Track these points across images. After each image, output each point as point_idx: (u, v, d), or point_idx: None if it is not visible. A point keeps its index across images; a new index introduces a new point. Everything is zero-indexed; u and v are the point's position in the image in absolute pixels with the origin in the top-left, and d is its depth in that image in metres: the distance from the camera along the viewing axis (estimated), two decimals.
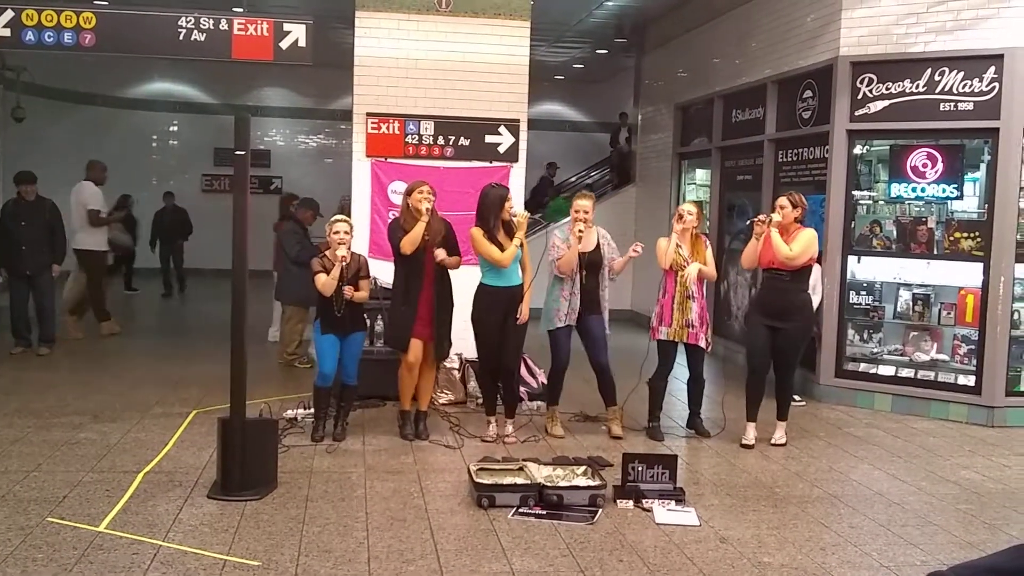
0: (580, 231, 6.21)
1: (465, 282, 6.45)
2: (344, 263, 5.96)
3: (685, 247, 6.45)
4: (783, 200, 6.34)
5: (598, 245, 6.43)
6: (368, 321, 7.19)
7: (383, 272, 6.79)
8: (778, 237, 6.24)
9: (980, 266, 7.32)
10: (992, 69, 7.16)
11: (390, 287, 6.55)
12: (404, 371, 6.31)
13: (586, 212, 6.28)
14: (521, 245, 6.19)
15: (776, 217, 6.28)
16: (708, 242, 6.65)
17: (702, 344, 6.50)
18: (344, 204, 11.72)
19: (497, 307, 6.17)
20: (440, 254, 6.11)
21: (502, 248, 6.12)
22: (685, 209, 6.51)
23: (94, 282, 9.99)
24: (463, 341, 6.77)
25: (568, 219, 6.70)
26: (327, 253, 6.10)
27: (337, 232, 6.00)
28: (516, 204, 7.09)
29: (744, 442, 6.43)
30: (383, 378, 6.75)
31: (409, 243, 6.00)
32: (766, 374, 6.49)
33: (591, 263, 6.35)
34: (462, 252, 6.42)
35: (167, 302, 14.23)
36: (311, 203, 9.17)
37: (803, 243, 6.24)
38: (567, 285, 6.35)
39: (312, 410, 6.37)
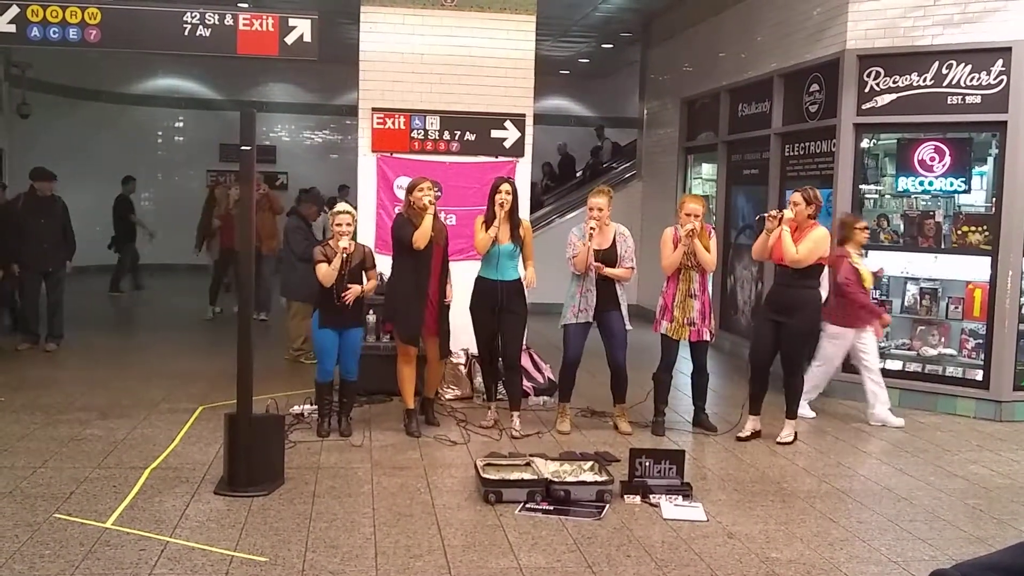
0: (592, 228, 6.20)
1: (467, 279, 6.54)
2: (346, 254, 5.95)
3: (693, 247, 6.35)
4: (797, 196, 6.25)
5: (613, 242, 6.36)
6: (374, 316, 7.20)
7: (384, 267, 6.77)
8: (788, 237, 6.15)
9: (988, 260, 7.29)
10: (1000, 62, 7.12)
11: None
12: (403, 366, 6.33)
13: (600, 210, 6.25)
14: (523, 240, 6.28)
15: (788, 214, 6.21)
16: (712, 232, 6.59)
17: (706, 338, 6.48)
18: (212, 184, 12.37)
19: (485, 299, 6.32)
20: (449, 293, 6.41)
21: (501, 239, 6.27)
22: (692, 209, 6.31)
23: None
24: (469, 336, 6.76)
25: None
26: (330, 242, 6.09)
27: (339, 224, 5.98)
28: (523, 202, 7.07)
29: (739, 435, 6.40)
30: (389, 374, 6.73)
31: (422, 237, 6.05)
32: (768, 369, 6.45)
33: (605, 260, 6.29)
34: (466, 247, 6.44)
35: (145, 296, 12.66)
36: (316, 198, 9.14)
37: (810, 245, 6.13)
38: (582, 282, 6.32)
39: (317, 406, 6.38)
